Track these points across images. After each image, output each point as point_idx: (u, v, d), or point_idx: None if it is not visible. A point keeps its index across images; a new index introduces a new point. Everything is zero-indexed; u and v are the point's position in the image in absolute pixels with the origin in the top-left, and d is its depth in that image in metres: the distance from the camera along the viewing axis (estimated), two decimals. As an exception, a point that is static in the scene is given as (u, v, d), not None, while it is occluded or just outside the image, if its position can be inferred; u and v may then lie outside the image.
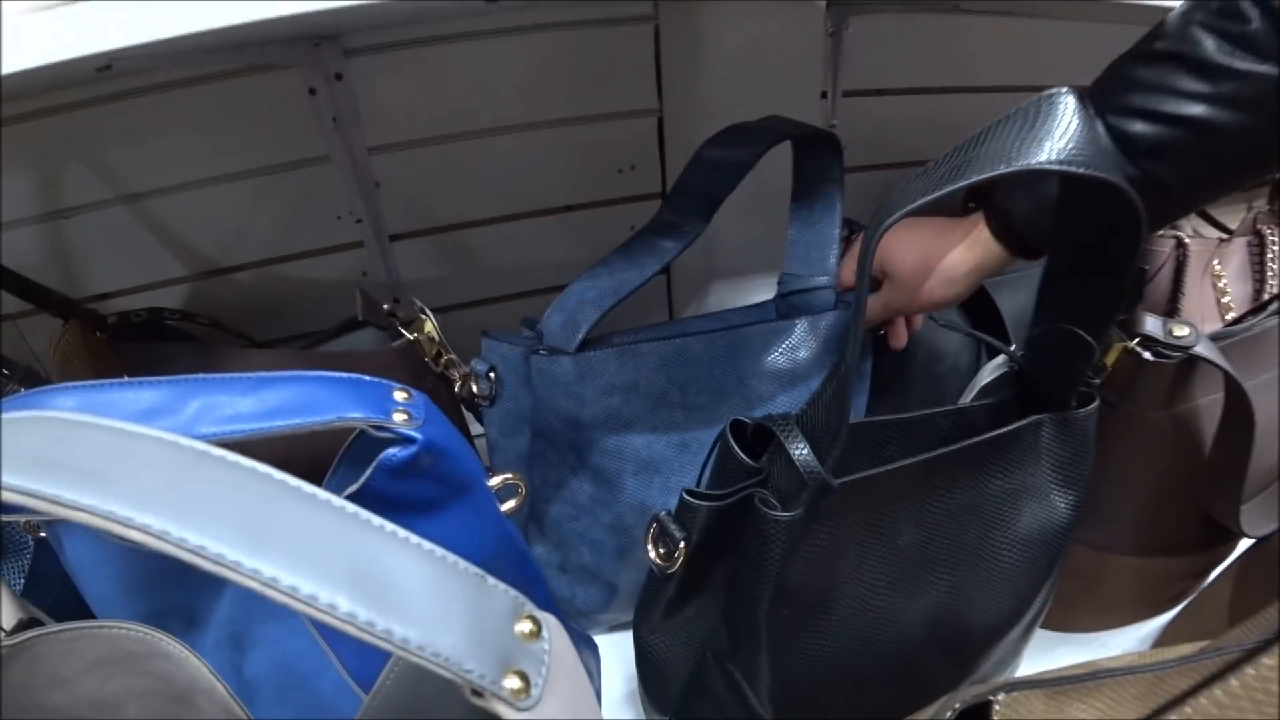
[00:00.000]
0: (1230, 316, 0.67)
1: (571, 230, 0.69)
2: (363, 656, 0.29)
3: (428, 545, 0.15)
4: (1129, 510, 0.43)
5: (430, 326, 0.43)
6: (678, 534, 0.31)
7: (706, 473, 0.34)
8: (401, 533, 0.14)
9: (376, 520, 0.14)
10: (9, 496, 0.12)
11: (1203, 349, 0.37)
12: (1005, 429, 0.33)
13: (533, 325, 0.42)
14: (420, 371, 0.43)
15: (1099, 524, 0.41)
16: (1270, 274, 0.71)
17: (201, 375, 0.26)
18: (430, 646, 0.13)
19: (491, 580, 0.15)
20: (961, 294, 0.40)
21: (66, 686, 0.22)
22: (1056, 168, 0.23)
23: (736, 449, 0.32)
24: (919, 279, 0.40)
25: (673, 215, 0.43)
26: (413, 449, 0.26)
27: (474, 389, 0.40)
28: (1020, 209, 0.36)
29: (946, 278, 0.39)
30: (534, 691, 0.14)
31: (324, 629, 0.26)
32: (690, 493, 0.31)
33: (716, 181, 0.42)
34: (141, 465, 0.14)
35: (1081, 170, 0.23)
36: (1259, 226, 0.74)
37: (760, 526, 0.29)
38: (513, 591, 0.16)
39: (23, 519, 0.31)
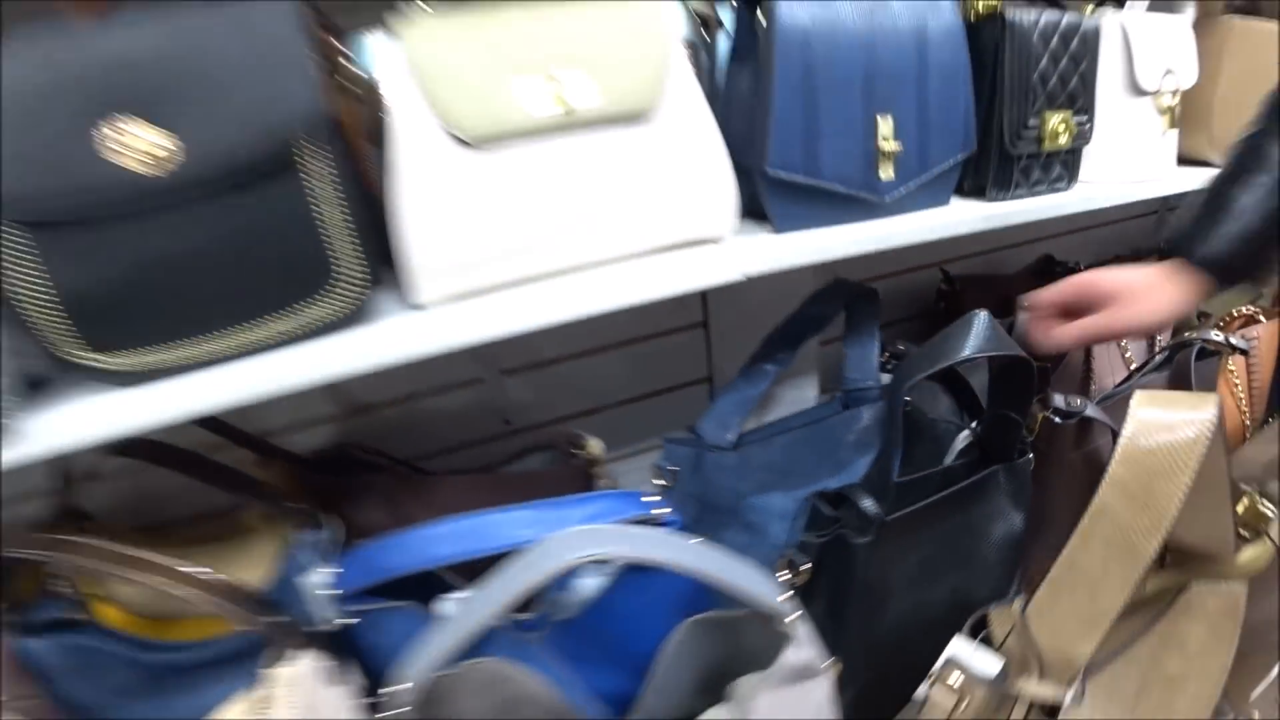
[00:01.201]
0: (1133, 367, 0.95)
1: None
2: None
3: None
4: (1065, 525, 0.68)
5: (594, 446, 0.66)
6: (801, 561, 0.54)
7: (801, 521, 0.59)
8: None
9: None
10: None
11: (1090, 411, 0.63)
12: (976, 477, 0.58)
13: (692, 429, 0.67)
14: (587, 480, 0.66)
15: (1048, 539, 0.66)
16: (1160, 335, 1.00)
17: (537, 502, 0.49)
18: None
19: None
20: (1165, 324, 0.61)
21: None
22: (976, 355, 0.49)
23: (823, 507, 0.56)
24: (1134, 303, 0.57)
25: (774, 350, 0.70)
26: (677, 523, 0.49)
27: (658, 481, 0.63)
28: (1221, 250, 0.56)
29: (1156, 308, 0.57)
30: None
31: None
32: (807, 533, 0.55)
33: (807, 327, 0.69)
34: (630, 537, 0.38)
35: (990, 353, 0.49)
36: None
37: (849, 550, 0.54)
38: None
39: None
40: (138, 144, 0.34)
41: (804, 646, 0.44)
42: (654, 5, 0.44)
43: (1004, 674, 0.44)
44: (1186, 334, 0.80)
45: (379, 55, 0.39)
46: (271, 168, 0.36)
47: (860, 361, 0.72)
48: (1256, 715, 0.54)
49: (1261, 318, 0.96)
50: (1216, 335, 0.81)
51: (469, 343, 0.44)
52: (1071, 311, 0.62)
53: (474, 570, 0.50)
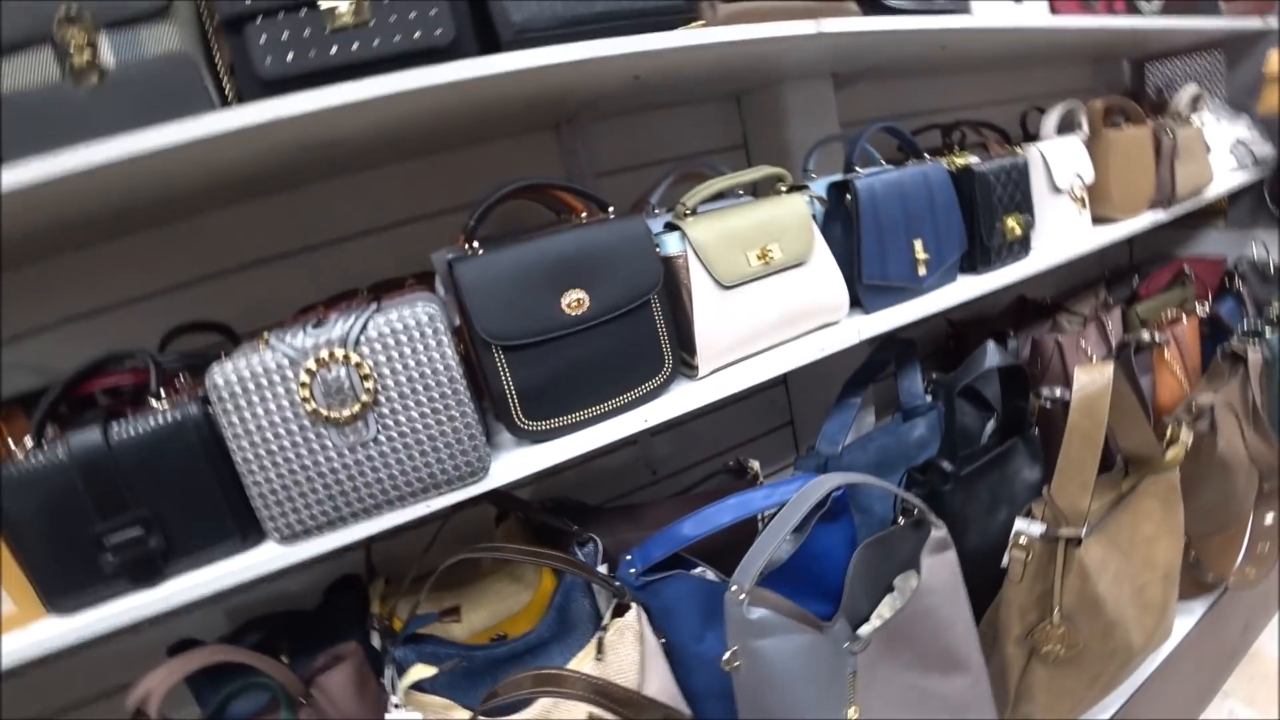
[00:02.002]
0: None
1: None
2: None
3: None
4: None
5: (755, 465, 1.01)
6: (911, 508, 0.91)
7: (902, 487, 0.95)
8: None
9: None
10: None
11: (1066, 396, 1.03)
12: (1005, 446, 0.96)
13: (812, 447, 1.03)
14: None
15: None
16: (1111, 339, 1.41)
17: (762, 487, 0.84)
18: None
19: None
20: None
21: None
22: (994, 366, 0.88)
23: (916, 475, 0.93)
24: None
25: (854, 388, 1.07)
26: (837, 494, 0.85)
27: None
28: None
29: None
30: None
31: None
32: (908, 492, 0.92)
33: (874, 370, 1.06)
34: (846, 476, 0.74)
35: (1001, 364, 0.88)
36: (1097, 313, 1.45)
37: (939, 496, 0.90)
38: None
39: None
40: (571, 299, 0.71)
41: (940, 528, 0.79)
42: (799, 198, 0.84)
43: (1047, 530, 0.80)
44: (1127, 335, 1.21)
45: (675, 241, 0.77)
46: (637, 307, 0.74)
47: (910, 388, 1.11)
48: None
49: (1184, 317, 1.39)
50: (1145, 335, 1.23)
51: (722, 396, 0.80)
52: None
53: (706, 552, 0.84)
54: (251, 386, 0.63)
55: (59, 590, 0.65)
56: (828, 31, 0.79)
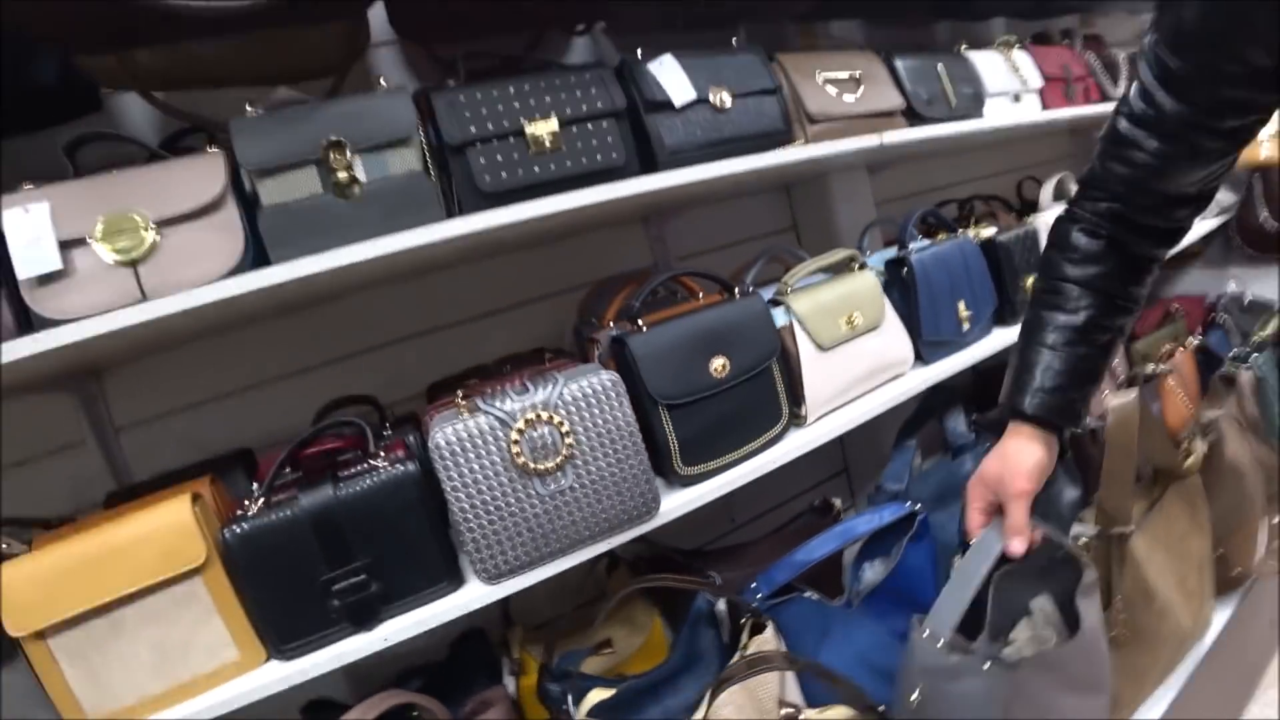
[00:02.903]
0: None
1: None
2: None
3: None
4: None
5: (837, 503, 1.20)
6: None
7: None
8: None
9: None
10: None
11: (1092, 424, 1.24)
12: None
13: (878, 486, 1.22)
14: (837, 522, 1.19)
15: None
16: (1119, 373, 1.65)
17: (855, 517, 1.03)
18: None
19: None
20: (1036, 475, 0.77)
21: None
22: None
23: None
24: (1011, 477, 0.76)
25: (909, 431, 1.27)
26: (921, 517, 1.04)
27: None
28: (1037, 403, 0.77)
29: (1022, 469, 0.77)
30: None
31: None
32: None
33: (927, 416, 1.27)
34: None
35: None
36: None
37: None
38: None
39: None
40: (716, 364, 0.91)
41: (1091, 571, 0.98)
42: (870, 273, 1.06)
43: (1101, 530, 1.00)
44: (1135, 369, 1.45)
45: (782, 314, 0.98)
46: (762, 369, 0.94)
47: (955, 428, 1.31)
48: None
49: (1178, 350, 1.65)
50: (1150, 368, 1.47)
51: (828, 439, 1.00)
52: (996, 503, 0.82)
53: (811, 578, 1.02)
54: (469, 445, 0.80)
55: (286, 635, 0.76)
56: (889, 144, 1.03)
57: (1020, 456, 0.77)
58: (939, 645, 0.76)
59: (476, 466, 0.80)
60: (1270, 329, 1.77)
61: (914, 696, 0.76)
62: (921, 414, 1.32)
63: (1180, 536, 1.14)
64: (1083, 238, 0.74)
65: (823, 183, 1.35)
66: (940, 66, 1.18)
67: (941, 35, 1.74)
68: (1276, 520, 1.35)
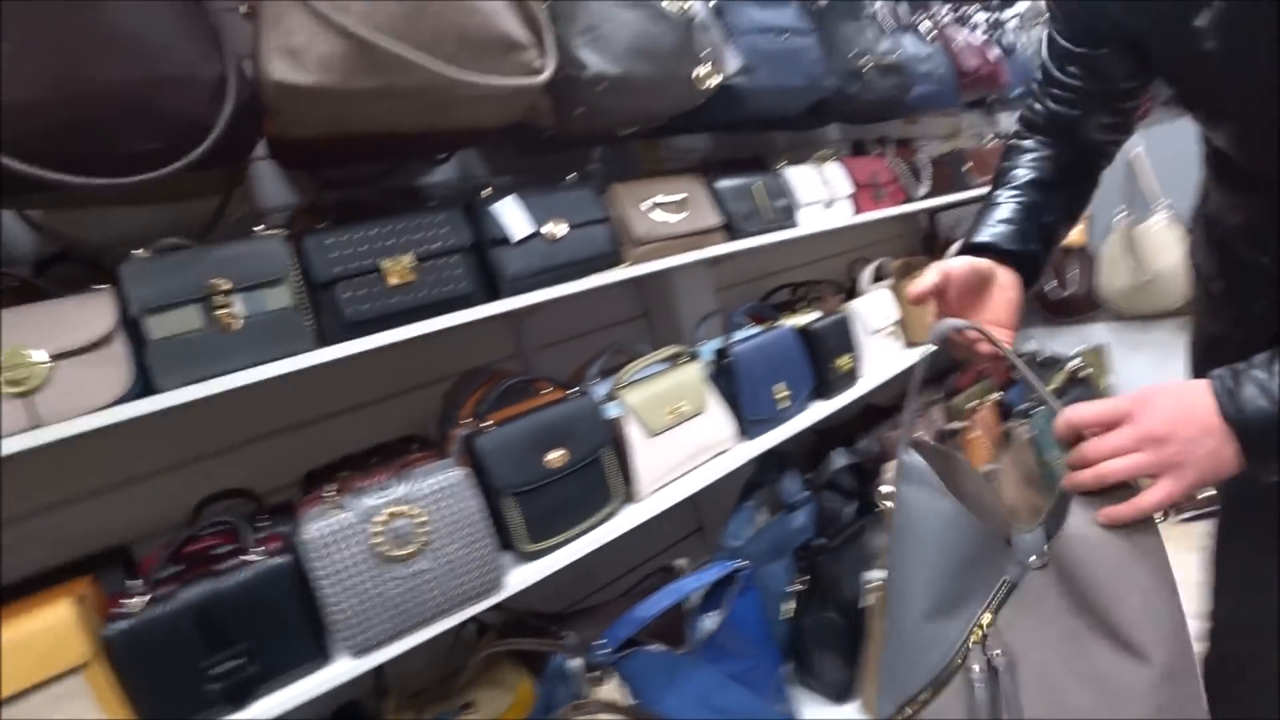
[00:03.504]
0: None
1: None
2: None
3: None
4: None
5: (682, 563, 1.39)
6: (800, 578, 1.32)
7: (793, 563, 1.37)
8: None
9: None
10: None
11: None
12: (861, 521, 1.40)
13: (720, 544, 1.42)
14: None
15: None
16: (936, 427, 1.94)
17: (687, 577, 1.23)
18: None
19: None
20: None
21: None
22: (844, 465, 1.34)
23: (802, 553, 1.35)
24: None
25: (748, 494, 1.49)
26: (746, 573, 1.24)
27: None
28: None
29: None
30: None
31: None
32: (799, 564, 1.34)
33: (764, 478, 1.49)
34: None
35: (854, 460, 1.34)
36: (927, 410, 1.99)
37: (819, 567, 1.32)
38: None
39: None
40: (553, 455, 1.09)
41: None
42: (695, 366, 1.28)
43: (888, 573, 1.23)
44: (941, 426, 1.73)
45: (616, 407, 1.18)
46: (595, 457, 1.13)
47: (789, 488, 1.54)
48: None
49: (984, 404, 1.95)
50: (952, 425, 1.76)
51: (657, 512, 1.19)
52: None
53: (663, 630, 1.21)
54: (336, 539, 0.95)
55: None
56: (707, 257, 1.26)
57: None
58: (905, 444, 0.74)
59: (342, 556, 0.95)
60: (1056, 384, 2.13)
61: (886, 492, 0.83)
62: (758, 477, 1.54)
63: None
64: (1030, 138, 0.85)
65: (667, 276, 1.57)
66: (757, 185, 1.44)
67: (780, 141, 2.04)
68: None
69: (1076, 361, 2.37)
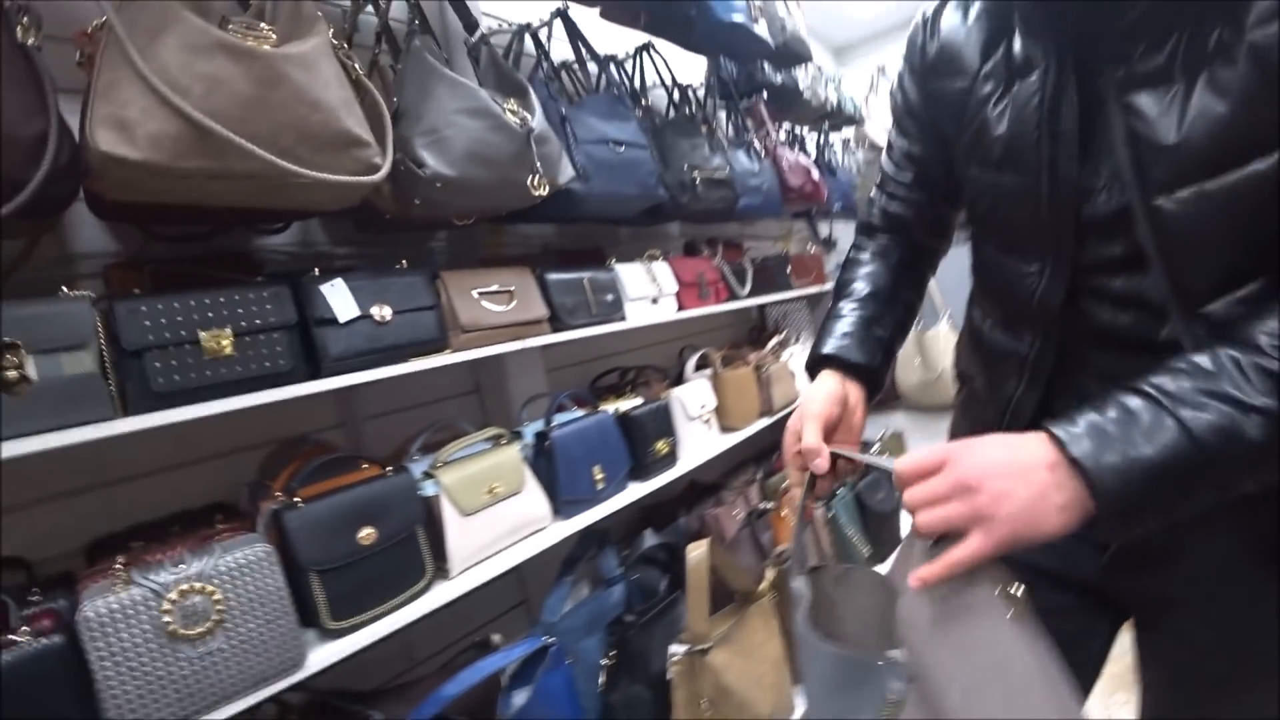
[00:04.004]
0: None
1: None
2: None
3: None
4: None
5: (497, 639, 1.44)
6: (609, 653, 1.40)
7: (606, 638, 1.45)
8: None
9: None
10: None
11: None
12: (671, 597, 1.52)
13: (538, 619, 1.48)
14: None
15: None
16: (750, 505, 2.11)
17: (495, 654, 1.28)
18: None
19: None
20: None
21: None
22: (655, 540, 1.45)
23: (615, 628, 1.44)
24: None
25: (567, 570, 1.56)
26: (554, 649, 1.31)
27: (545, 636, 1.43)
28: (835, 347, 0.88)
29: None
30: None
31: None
32: (608, 640, 1.42)
33: (582, 553, 1.57)
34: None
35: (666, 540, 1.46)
36: (743, 489, 2.17)
37: (628, 642, 1.41)
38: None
39: None
40: (364, 533, 1.13)
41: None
42: (514, 447, 1.36)
43: (688, 649, 1.34)
44: (754, 505, 1.90)
45: (432, 486, 1.23)
46: (407, 535, 1.17)
47: (607, 564, 1.64)
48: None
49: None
50: (763, 505, 1.93)
51: (468, 590, 1.24)
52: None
53: (475, 706, 1.25)
54: (120, 617, 0.92)
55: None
56: (529, 347, 1.37)
57: (816, 388, 0.86)
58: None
59: (126, 636, 0.92)
60: (787, 548, 2.38)
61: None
62: (579, 552, 1.63)
63: (759, 644, 1.53)
64: (868, 247, 0.98)
65: (499, 356, 1.66)
66: (586, 280, 1.57)
67: (622, 233, 2.22)
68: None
69: (878, 445, 2.68)
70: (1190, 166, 0.62)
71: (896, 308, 0.94)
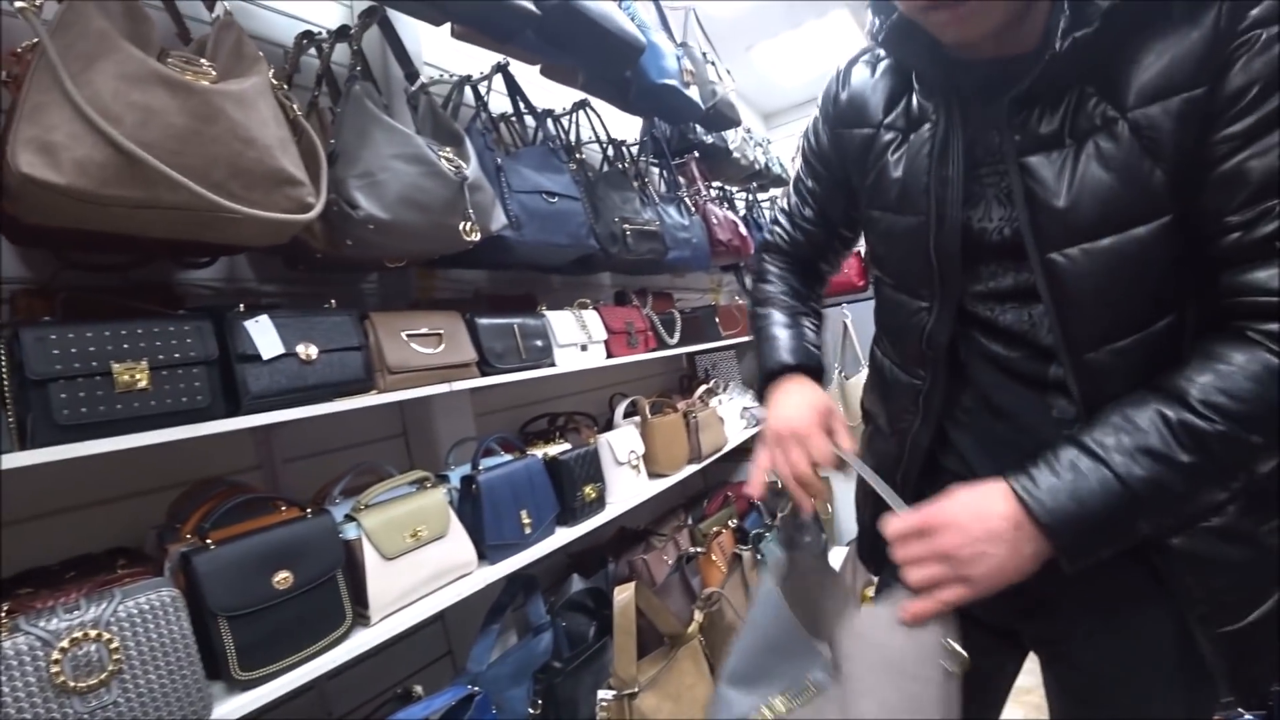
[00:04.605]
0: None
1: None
2: None
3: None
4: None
5: (419, 690, 1.39)
6: (537, 701, 1.37)
7: (533, 686, 1.42)
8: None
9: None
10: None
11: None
12: (600, 642, 1.50)
13: (465, 667, 1.44)
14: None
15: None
16: (681, 549, 2.12)
17: (421, 702, 1.24)
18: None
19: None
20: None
21: None
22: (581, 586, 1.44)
23: (541, 676, 1.41)
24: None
25: (494, 616, 1.53)
26: (479, 699, 1.28)
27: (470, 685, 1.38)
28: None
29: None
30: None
31: None
32: (536, 689, 1.39)
33: (509, 600, 1.54)
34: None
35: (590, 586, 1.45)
36: (674, 534, 2.17)
37: (554, 689, 1.38)
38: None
39: None
40: (279, 577, 1.08)
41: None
42: (439, 491, 1.34)
43: (616, 693, 1.32)
44: (683, 550, 1.90)
45: (354, 529, 1.20)
46: (326, 579, 1.13)
47: (535, 611, 1.61)
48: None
49: (725, 529, 2.17)
50: (692, 549, 1.94)
51: (390, 636, 1.20)
52: None
53: None
54: (2, 668, 0.86)
55: None
56: (457, 390, 1.36)
57: (794, 396, 0.90)
58: None
59: (7, 690, 0.86)
60: (787, 510, 2.43)
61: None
62: (504, 600, 1.60)
63: (689, 686, 1.52)
64: (774, 263, 1.07)
65: (426, 399, 1.64)
66: (516, 325, 1.58)
67: (555, 281, 2.24)
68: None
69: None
70: (1079, 227, 0.69)
71: (809, 319, 1.03)
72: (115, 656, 0.92)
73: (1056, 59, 0.66)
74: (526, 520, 1.50)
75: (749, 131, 2.93)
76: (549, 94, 2.02)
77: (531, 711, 1.47)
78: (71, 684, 0.89)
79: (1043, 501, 0.66)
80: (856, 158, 0.89)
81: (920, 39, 0.76)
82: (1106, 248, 0.67)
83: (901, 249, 0.84)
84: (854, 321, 2.96)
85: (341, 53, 1.44)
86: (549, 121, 1.90)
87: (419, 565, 1.27)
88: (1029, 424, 0.79)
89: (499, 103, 1.84)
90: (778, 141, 3.63)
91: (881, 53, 0.87)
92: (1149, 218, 0.66)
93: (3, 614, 0.91)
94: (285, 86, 1.17)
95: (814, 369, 0.96)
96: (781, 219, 1.08)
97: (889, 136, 0.84)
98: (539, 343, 1.64)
